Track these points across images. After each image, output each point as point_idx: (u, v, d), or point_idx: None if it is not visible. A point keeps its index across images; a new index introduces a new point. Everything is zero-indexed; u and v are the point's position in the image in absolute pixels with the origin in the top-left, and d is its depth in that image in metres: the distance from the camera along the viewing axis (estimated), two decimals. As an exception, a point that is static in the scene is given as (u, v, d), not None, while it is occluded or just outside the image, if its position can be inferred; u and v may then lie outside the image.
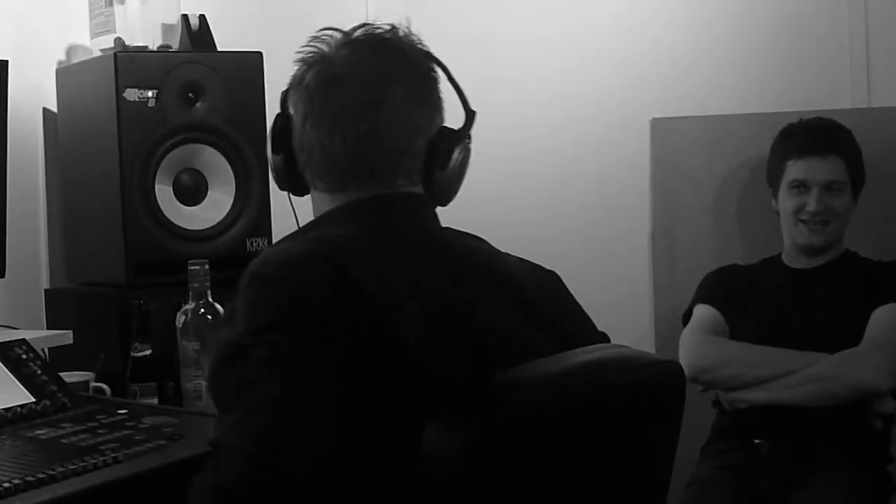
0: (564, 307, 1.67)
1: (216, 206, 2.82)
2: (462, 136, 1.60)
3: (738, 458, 2.67)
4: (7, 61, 2.62)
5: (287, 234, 1.59)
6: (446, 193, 1.61)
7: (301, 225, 1.63)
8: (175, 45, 2.87)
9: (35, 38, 2.98)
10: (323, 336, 1.38)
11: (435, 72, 1.61)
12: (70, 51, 3.05)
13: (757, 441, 2.67)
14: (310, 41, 1.61)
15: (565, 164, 3.40)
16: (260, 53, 2.87)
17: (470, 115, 1.62)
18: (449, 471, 1.32)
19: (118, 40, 2.83)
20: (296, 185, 1.64)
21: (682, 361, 2.71)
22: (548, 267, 1.69)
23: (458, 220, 1.70)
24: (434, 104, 1.60)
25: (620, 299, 3.27)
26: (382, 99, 1.55)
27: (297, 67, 1.61)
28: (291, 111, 1.61)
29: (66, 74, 2.96)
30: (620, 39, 3.35)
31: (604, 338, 1.69)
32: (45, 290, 3.00)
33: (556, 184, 3.40)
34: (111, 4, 2.86)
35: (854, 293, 2.74)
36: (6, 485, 1.62)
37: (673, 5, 3.30)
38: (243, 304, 1.43)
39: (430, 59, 1.61)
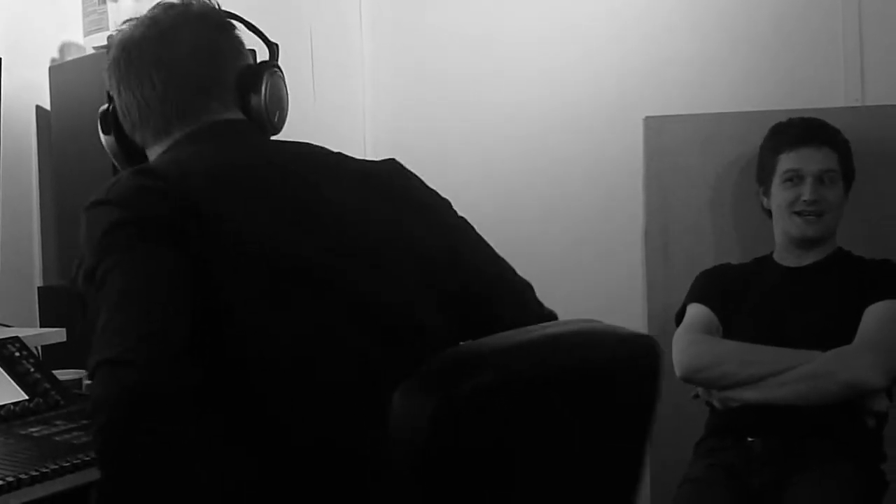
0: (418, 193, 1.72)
1: (210, 203, 2.81)
2: (267, 66, 1.76)
3: (731, 457, 2.67)
4: (0, 59, 2.62)
5: None
6: (266, 117, 1.73)
7: None
8: (169, 43, 2.86)
9: (28, 35, 2.97)
10: (160, 237, 1.43)
11: (227, 21, 1.74)
12: (63, 48, 3.04)
13: (750, 439, 2.66)
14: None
15: (559, 162, 3.40)
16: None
17: (272, 47, 1.79)
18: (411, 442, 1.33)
19: (112, 38, 2.82)
20: (133, 156, 1.73)
21: (675, 360, 2.71)
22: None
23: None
24: (233, 46, 1.74)
25: (614, 297, 3.27)
26: (179, 43, 1.68)
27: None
28: (110, 91, 1.73)
29: (60, 72, 2.96)
30: (614, 38, 3.35)
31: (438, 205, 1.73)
32: (39, 287, 2.99)
33: (550, 182, 3.40)
34: (104, 2, 2.86)
35: (847, 291, 2.74)
36: None
37: (666, 4, 3.30)
38: (81, 237, 1.49)
39: (221, 11, 1.75)
